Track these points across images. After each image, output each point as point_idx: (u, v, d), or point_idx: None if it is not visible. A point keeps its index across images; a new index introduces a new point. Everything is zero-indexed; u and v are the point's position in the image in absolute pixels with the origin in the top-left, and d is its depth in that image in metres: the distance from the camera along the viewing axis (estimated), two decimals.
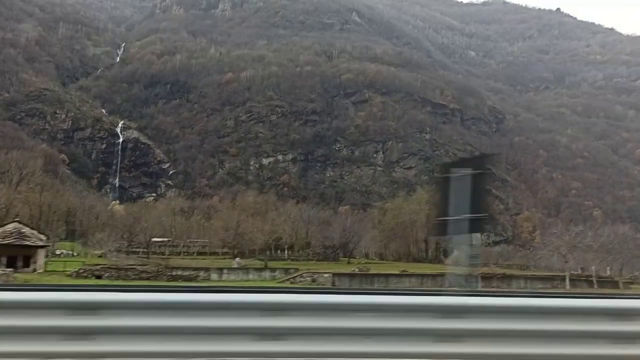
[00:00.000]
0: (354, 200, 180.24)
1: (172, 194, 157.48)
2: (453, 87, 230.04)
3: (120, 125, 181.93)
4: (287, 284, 46.28)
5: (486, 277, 50.48)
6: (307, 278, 49.80)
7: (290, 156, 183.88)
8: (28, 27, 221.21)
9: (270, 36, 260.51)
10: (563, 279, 60.83)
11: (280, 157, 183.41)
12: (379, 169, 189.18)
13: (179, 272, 50.51)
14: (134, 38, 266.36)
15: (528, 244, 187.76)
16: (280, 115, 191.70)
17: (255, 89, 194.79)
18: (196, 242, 73.82)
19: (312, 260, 66.36)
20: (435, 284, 47.87)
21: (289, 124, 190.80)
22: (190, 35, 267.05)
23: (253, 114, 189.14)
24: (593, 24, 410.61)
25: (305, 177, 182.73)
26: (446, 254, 73.27)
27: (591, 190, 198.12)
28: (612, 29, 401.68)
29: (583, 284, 61.10)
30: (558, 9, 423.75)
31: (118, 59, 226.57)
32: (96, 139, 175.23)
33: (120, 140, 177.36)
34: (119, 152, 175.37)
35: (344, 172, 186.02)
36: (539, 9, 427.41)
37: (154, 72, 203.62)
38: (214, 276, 52.94)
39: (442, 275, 53.84)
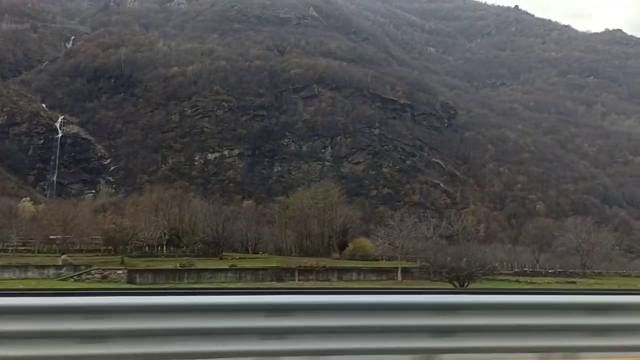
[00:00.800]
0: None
1: (107, 191, 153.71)
2: (405, 82, 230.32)
3: (59, 120, 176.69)
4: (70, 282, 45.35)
5: (305, 270, 49.98)
6: (97, 275, 48.76)
7: (236, 151, 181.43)
8: None
9: (225, 30, 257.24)
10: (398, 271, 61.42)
11: (226, 152, 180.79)
12: (328, 164, 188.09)
13: None
14: (84, 31, 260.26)
15: (473, 237, 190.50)
16: (227, 109, 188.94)
17: (201, 83, 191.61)
18: (57, 238, 70.71)
19: (189, 256, 64.65)
20: (257, 278, 47.52)
21: (236, 118, 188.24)
22: (142, 28, 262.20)
23: (199, 109, 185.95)
24: (550, 21, 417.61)
25: (252, 172, 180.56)
26: (336, 247, 72.61)
27: (536, 184, 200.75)
28: (568, 26, 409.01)
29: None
30: (516, 6, 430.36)
31: (63, 52, 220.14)
32: (33, 134, 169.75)
33: (59, 135, 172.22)
34: (58, 148, 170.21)
35: (291, 168, 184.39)
36: (498, 6, 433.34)
37: (97, 65, 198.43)
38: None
39: (265, 269, 53.76)
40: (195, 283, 48.30)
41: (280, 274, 53.39)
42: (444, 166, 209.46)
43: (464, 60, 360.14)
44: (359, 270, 62.57)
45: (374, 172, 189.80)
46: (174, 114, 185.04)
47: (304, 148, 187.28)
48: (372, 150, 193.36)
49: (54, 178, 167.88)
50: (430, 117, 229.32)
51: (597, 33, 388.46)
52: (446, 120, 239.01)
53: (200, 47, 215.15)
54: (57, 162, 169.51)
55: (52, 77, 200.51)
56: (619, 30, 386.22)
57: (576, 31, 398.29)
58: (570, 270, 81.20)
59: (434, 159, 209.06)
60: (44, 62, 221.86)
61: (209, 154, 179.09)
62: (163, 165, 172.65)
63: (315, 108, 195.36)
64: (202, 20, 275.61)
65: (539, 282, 62.06)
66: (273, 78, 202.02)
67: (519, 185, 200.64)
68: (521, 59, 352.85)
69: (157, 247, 68.03)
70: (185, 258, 62.47)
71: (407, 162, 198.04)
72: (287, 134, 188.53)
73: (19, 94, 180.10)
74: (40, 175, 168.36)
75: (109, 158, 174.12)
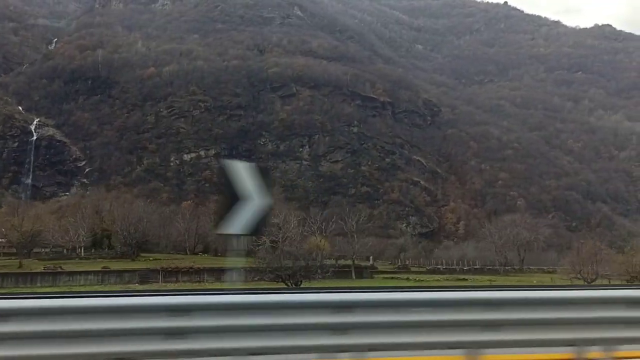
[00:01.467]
0: (277, 196, 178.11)
1: (79, 193, 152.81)
2: (386, 80, 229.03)
3: (35, 122, 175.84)
4: None
5: (171, 272, 48.75)
6: None
7: (212, 151, 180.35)
8: None
9: (208, 31, 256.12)
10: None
11: (202, 153, 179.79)
12: (305, 163, 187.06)
13: None
14: (67, 33, 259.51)
15: (452, 235, 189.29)
16: (203, 110, 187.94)
17: (177, 83, 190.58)
18: None
19: (105, 257, 63.76)
20: (122, 280, 46.70)
21: (213, 118, 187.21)
22: (124, 29, 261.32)
23: (174, 109, 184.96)
24: (539, 17, 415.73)
25: None
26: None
27: (518, 180, 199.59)
28: (557, 22, 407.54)
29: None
30: (505, 2, 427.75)
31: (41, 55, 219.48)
32: (7, 137, 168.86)
33: (34, 138, 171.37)
34: (32, 151, 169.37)
35: (269, 167, 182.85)
36: (487, 2, 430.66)
37: (75, 67, 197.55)
38: None
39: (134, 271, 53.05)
40: (40, 288, 46.95)
41: (146, 275, 52.54)
42: (425, 164, 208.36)
43: (452, 58, 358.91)
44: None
45: (352, 171, 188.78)
46: (150, 114, 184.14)
47: (281, 147, 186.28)
48: (350, 148, 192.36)
49: (29, 181, 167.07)
50: (412, 115, 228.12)
51: (586, 28, 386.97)
52: (429, 118, 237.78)
53: (179, 47, 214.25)
54: (31, 164, 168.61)
55: (29, 79, 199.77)
56: (609, 26, 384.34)
57: (566, 27, 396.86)
58: (488, 267, 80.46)
59: (414, 157, 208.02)
60: (24, 65, 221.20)
61: (185, 155, 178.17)
62: (138, 167, 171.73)
63: (293, 107, 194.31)
64: (185, 21, 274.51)
65: (426, 280, 61.32)
66: (251, 77, 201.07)
67: (500, 182, 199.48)
68: (510, 56, 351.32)
69: (78, 249, 67.04)
70: (99, 260, 61.69)
71: (387, 160, 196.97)
72: (264, 133, 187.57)
73: None
74: (15, 178, 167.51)
75: (84, 160, 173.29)
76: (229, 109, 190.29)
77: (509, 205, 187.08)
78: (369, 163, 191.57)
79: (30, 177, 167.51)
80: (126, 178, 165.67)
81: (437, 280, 59.89)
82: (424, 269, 79.27)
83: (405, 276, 64.84)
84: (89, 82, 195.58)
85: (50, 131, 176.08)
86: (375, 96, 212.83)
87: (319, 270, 46.42)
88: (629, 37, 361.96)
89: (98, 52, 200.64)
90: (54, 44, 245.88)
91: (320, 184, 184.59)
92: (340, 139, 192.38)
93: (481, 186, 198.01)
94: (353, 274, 65.73)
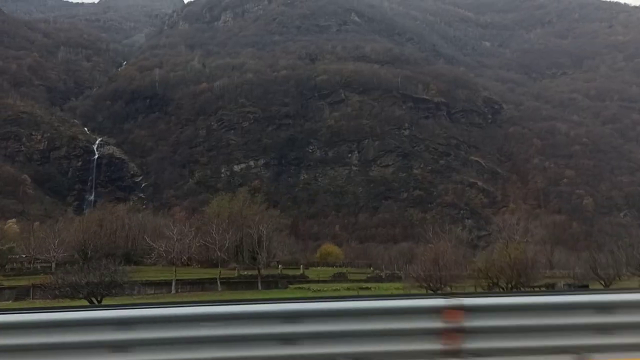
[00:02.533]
0: (325, 202, 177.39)
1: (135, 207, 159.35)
2: (442, 80, 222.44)
3: (97, 142, 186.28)
4: None
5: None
6: None
7: (262, 161, 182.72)
8: (23, 54, 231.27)
9: (265, 43, 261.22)
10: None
11: (252, 163, 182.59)
12: (355, 168, 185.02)
13: None
14: (134, 56, 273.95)
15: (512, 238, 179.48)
16: (252, 121, 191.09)
17: (228, 97, 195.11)
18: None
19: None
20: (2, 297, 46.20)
21: (262, 129, 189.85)
22: (187, 48, 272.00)
23: (224, 122, 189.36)
24: (618, 3, 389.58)
25: (278, 181, 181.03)
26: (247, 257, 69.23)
27: (586, 177, 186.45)
28: (639, 7, 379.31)
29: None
30: None
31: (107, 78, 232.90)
32: (72, 157, 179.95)
33: (95, 156, 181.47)
34: (94, 169, 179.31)
35: (317, 174, 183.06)
36: None
37: (134, 88, 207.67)
38: None
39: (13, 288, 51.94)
40: None
41: (24, 292, 52.20)
42: (483, 164, 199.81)
43: (521, 52, 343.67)
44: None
45: (404, 174, 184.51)
46: (202, 128, 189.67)
47: (330, 154, 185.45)
48: (401, 151, 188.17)
49: (92, 197, 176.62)
50: (470, 114, 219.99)
51: None
52: (490, 116, 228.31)
53: (232, 62, 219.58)
54: (94, 182, 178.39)
55: (95, 102, 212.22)
56: None
57: None
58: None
59: (472, 157, 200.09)
60: (93, 89, 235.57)
61: (235, 166, 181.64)
62: (190, 180, 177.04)
63: (341, 113, 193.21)
64: (243, 35, 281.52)
65: (323, 289, 56.50)
66: (299, 86, 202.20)
67: (565, 180, 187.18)
68: (584, 46, 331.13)
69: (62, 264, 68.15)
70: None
71: (441, 162, 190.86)
72: (312, 141, 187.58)
73: (60, 120, 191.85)
74: (79, 195, 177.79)
75: (140, 175, 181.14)
76: (277, 118, 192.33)
77: (574, 204, 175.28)
78: (422, 166, 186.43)
79: (93, 193, 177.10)
80: (178, 191, 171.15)
81: (327, 290, 55.33)
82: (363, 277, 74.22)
83: (334, 286, 60.03)
84: (147, 101, 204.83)
85: (111, 149, 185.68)
86: (428, 97, 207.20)
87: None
88: None
89: (155, 71, 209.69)
90: (123, 67, 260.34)
91: (370, 189, 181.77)
92: (390, 143, 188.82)
93: (544, 185, 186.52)
94: (259, 285, 61.09)
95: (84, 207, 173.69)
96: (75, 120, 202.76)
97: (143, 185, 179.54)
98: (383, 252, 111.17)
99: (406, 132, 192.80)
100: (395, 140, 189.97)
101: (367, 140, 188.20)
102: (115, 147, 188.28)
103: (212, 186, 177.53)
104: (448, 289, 49.05)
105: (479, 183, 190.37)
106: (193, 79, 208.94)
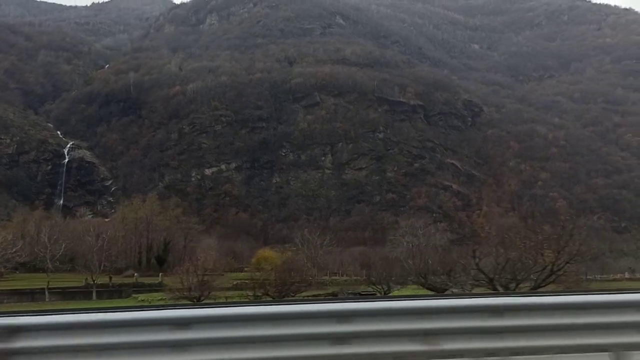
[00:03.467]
0: (297, 206, 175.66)
1: (100, 211, 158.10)
2: (421, 83, 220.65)
3: (68, 146, 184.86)
4: None
5: None
6: None
7: (233, 165, 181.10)
8: (1, 57, 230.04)
9: (248, 46, 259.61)
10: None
11: (223, 167, 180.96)
12: (328, 171, 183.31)
13: None
14: (115, 59, 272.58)
15: (484, 241, 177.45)
16: (225, 124, 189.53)
17: (200, 100, 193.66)
18: None
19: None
20: None
21: (235, 132, 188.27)
22: (170, 51, 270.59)
23: (196, 125, 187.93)
24: (608, 5, 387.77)
25: (249, 184, 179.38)
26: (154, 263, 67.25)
27: (560, 180, 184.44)
28: (628, 9, 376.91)
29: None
30: None
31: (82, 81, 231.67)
32: (41, 161, 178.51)
33: (66, 160, 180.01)
34: (64, 173, 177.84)
35: (290, 178, 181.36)
36: None
37: (108, 91, 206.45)
38: None
39: None
40: None
41: None
42: (460, 167, 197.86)
43: (509, 55, 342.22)
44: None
45: (377, 178, 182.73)
46: (174, 132, 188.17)
47: (303, 157, 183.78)
48: (375, 155, 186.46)
49: (61, 202, 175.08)
50: (449, 117, 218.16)
51: None
52: (469, 119, 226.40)
53: (208, 65, 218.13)
54: (63, 186, 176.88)
55: (70, 105, 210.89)
56: None
57: (637, 13, 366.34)
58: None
59: (448, 160, 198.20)
60: (71, 92, 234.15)
61: (206, 169, 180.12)
62: (160, 183, 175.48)
63: (315, 116, 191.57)
64: (227, 38, 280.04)
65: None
66: (274, 89, 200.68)
67: (539, 183, 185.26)
68: (572, 48, 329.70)
69: None
70: None
71: (415, 165, 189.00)
72: (285, 144, 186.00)
73: (32, 124, 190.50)
74: (49, 199, 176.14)
75: (110, 179, 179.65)
76: (250, 121, 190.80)
77: (547, 207, 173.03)
78: (395, 169, 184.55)
79: (62, 198, 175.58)
80: (146, 195, 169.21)
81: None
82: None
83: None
84: (121, 104, 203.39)
85: (82, 153, 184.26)
86: (404, 100, 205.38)
87: None
88: None
89: (130, 74, 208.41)
90: (103, 70, 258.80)
91: (343, 192, 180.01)
92: (364, 146, 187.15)
93: (518, 188, 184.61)
94: (94, 295, 58.81)
95: (53, 211, 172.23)
96: (49, 124, 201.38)
97: (112, 189, 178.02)
98: (336, 256, 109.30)
99: (381, 135, 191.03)
100: (369, 144, 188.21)
101: (340, 144, 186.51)
102: (86, 151, 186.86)
103: (181, 190, 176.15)
104: None
105: (454, 186, 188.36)
106: (168, 81, 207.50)
